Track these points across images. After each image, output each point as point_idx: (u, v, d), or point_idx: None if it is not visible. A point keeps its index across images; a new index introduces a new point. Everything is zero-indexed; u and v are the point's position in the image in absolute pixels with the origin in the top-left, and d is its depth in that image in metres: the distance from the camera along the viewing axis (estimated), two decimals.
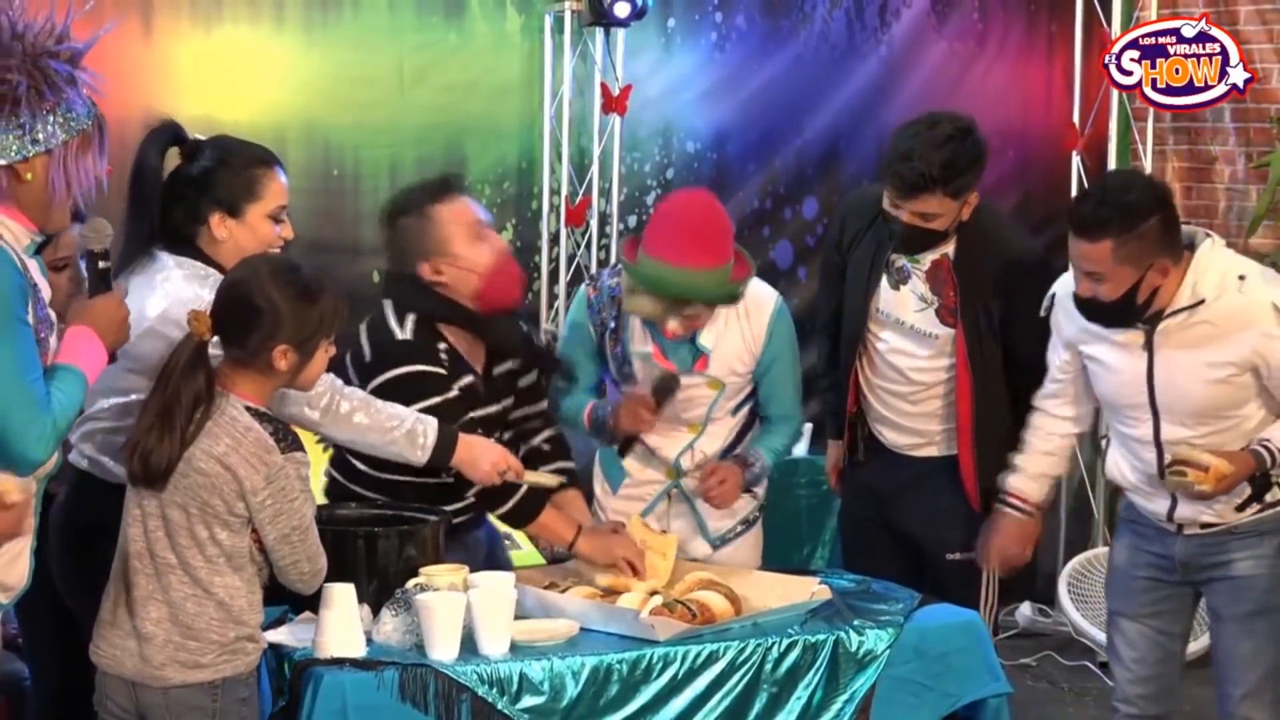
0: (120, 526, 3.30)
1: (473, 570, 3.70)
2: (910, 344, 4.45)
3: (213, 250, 3.60)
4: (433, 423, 3.74)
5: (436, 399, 3.83)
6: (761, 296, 4.32)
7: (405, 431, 3.71)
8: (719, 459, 4.35)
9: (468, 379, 3.93)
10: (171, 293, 3.49)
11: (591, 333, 4.33)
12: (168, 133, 3.63)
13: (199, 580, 3.22)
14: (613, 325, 4.30)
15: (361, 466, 3.94)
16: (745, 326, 4.29)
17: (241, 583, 3.25)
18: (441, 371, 3.87)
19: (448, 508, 3.85)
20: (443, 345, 3.92)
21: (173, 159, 3.65)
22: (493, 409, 4.00)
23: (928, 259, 4.40)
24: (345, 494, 3.99)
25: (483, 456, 3.80)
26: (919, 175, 4.24)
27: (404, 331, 3.91)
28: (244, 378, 3.28)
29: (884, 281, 4.45)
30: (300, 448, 3.29)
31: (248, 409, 3.25)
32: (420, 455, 3.73)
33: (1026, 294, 4.30)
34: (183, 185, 3.62)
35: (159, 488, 3.21)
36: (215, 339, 3.26)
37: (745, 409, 4.41)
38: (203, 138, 3.70)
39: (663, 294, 4.10)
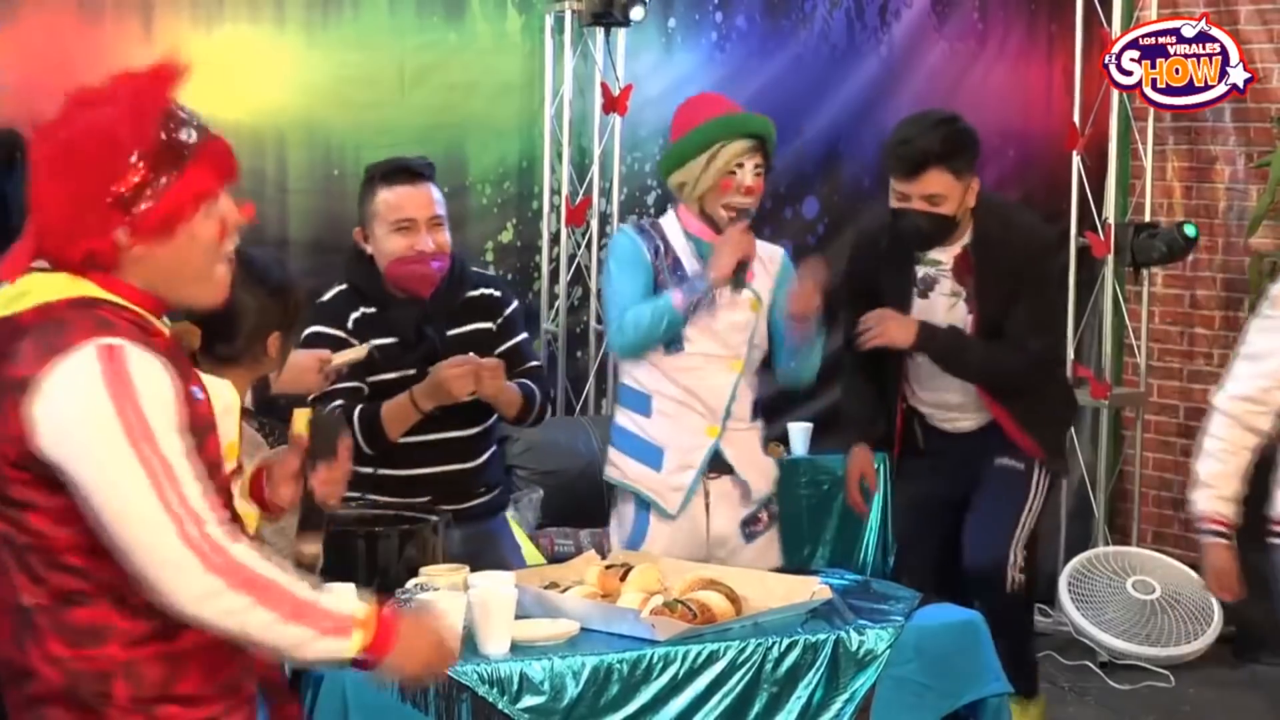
0: None
1: (483, 561, 3.76)
2: None
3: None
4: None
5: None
6: (769, 244, 4.49)
7: None
8: (753, 410, 4.38)
9: (386, 341, 4.12)
10: None
11: (645, 254, 4.31)
12: (6, 142, 3.77)
13: None
14: (665, 246, 4.33)
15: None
16: (765, 262, 4.38)
17: None
18: (341, 335, 4.09)
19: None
20: (356, 314, 4.14)
21: None
22: (404, 373, 4.13)
23: (950, 255, 4.64)
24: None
25: (301, 367, 3.77)
26: (920, 152, 4.50)
27: (326, 295, 4.20)
28: (228, 374, 3.24)
29: (914, 296, 4.69)
30: (287, 440, 3.29)
31: None
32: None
33: (1031, 280, 4.59)
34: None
35: None
36: None
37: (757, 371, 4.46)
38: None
39: (751, 130, 4.28)
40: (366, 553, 3.63)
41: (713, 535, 4.36)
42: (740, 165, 4.28)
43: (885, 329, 4.60)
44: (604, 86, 6.48)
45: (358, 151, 6.10)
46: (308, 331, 4.00)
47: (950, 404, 4.80)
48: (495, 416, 4.30)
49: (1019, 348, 4.66)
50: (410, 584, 3.55)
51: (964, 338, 4.67)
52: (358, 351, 4.00)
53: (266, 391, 3.77)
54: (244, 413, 3.23)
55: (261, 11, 5.98)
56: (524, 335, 4.37)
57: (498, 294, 4.33)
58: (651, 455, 4.35)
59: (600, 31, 6.46)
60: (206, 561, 2.27)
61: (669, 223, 4.38)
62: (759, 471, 4.42)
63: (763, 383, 4.50)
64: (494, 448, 4.37)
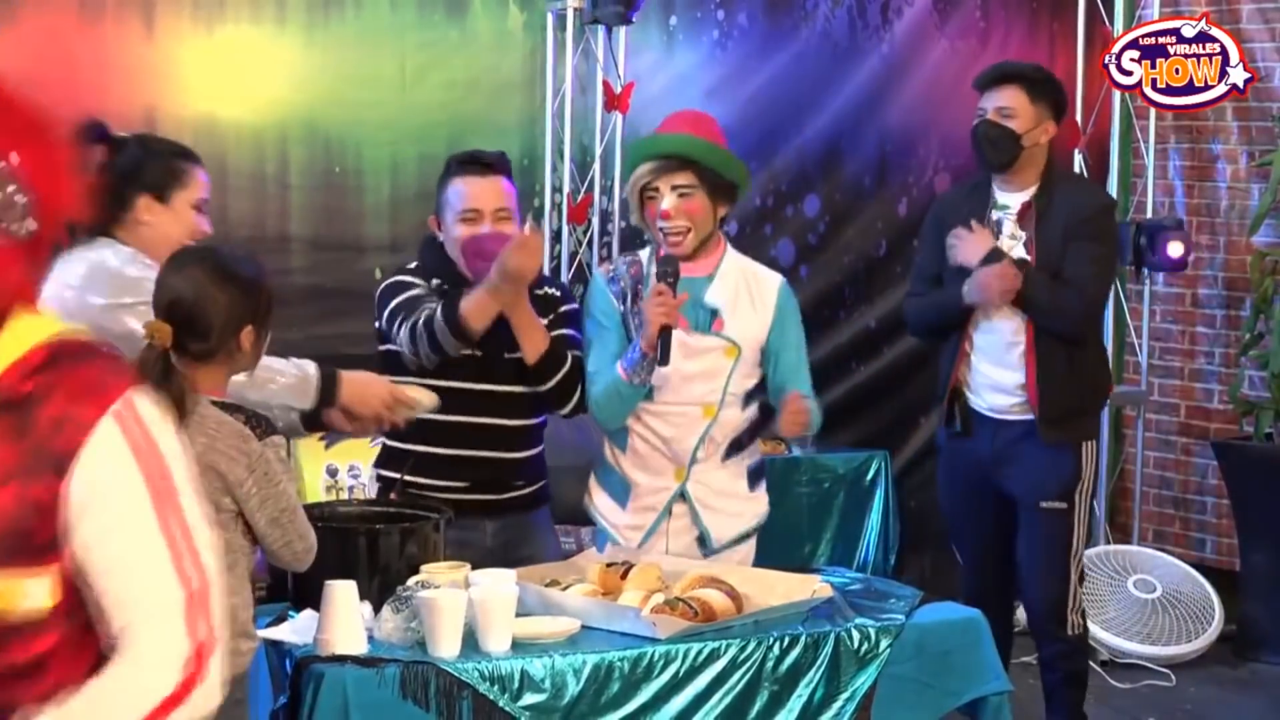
0: None
1: (516, 552, 3.90)
2: None
3: (134, 236, 3.71)
4: (312, 365, 3.77)
5: (410, 289, 4.16)
6: (766, 272, 4.39)
7: (285, 383, 3.72)
8: (727, 453, 4.28)
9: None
10: (94, 259, 3.61)
11: (614, 304, 4.30)
12: (94, 132, 3.73)
13: None
14: (631, 292, 4.28)
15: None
16: (754, 296, 4.30)
17: (235, 580, 3.26)
18: (418, 280, 4.18)
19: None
20: (435, 281, 4.19)
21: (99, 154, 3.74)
22: (480, 385, 4.13)
23: (1017, 201, 5.03)
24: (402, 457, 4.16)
25: (369, 393, 3.82)
26: (1003, 68, 5.19)
27: (400, 273, 4.27)
28: (204, 371, 3.24)
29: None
30: (275, 431, 3.30)
31: (213, 403, 3.23)
32: (307, 401, 3.74)
33: (1090, 235, 4.95)
34: (109, 176, 3.71)
35: None
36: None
37: (754, 405, 4.35)
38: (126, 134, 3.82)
39: (657, 152, 4.23)
40: (368, 549, 3.63)
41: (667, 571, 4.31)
42: (654, 189, 4.21)
43: (963, 245, 4.98)
44: (605, 84, 6.48)
45: (358, 149, 6.11)
46: (391, 280, 4.18)
47: (1003, 383, 5.00)
48: (544, 416, 4.27)
49: (1078, 291, 4.94)
50: (411, 581, 3.55)
51: (1029, 266, 4.95)
52: (428, 401, 3.95)
53: (319, 415, 3.79)
54: (226, 406, 3.25)
55: (263, 10, 5.97)
56: (572, 332, 4.30)
57: (557, 293, 4.33)
58: (620, 491, 4.31)
59: (602, 29, 6.46)
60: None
61: (646, 255, 4.33)
62: (725, 515, 4.30)
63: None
64: (539, 447, 4.32)
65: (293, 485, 3.31)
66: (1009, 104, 5.00)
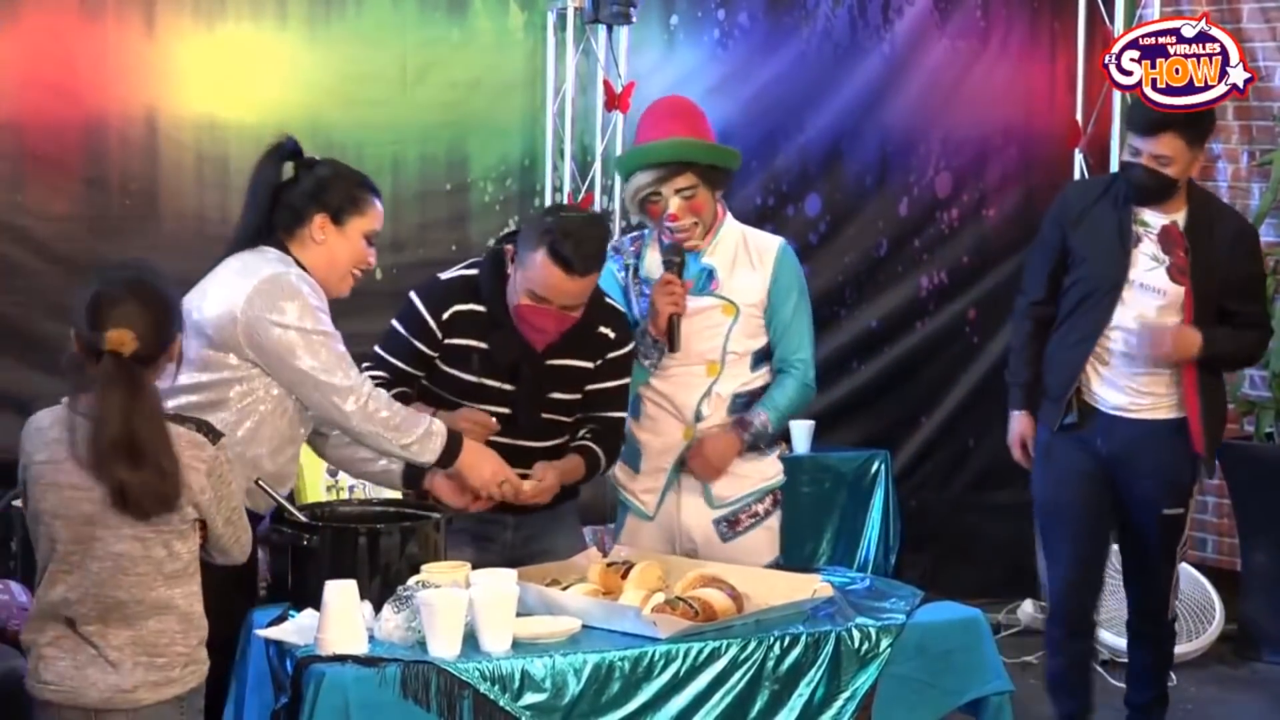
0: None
1: (535, 546, 3.96)
2: (1141, 301, 4.90)
3: (302, 252, 3.82)
4: (441, 426, 3.86)
5: (401, 328, 4.12)
6: (765, 236, 4.46)
7: (421, 432, 3.81)
8: (732, 407, 4.34)
9: (470, 341, 4.08)
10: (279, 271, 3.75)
11: (616, 279, 4.36)
12: (288, 148, 3.89)
13: (159, 600, 3.24)
14: (634, 264, 4.35)
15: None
16: (753, 259, 4.36)
17: (197, 586, 3.31)
18: (425, 317, 4.07)
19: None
20: (463, 307, 4.07)
21: (287, 171, 3.89)
22: (500, 385, 4.09)
23: (1158, 223, 4.93)
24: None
25: (484, 464, 3.92)
26: (1163, 115, 4.99)
27: (450, 273, 4.15)
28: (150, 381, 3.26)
29: (1126, 247, 4.93)
30: (219, 434, 3.34)
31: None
32: (430, 456, 3.85)
33: (1245, 256, 4.97)
34: (293, 192, 3.85)
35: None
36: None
37: (764, 368, 4.40)
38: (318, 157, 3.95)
39: (655, 161, 4.24)
40: (369, 549, 3.63)
41: (682, 530, 4.39)
42: (657, 195, 4.26)
43: (1174, 347, 4.85)
44: (606, 84, 6.48)
45: (360, 149, 6.11)
46: (409, 299, 4.12)
47: (1147, 392, 4.96)
48: (568, 436, 4.24)
49: (1253, 322, 5.00)
50: (412, 581, 3.55)
51: (1219, 332, 4.92)
52: (529, 490, 4.00)
53: (421, 475, 3.94)
54: (177, 417, 3.28)
55: (264, 8, 5.98)
56: (622, 381, 4.25)
57: (613, 335, 4.19)
58: (633, 457, 4.41)
59: (602, 29, 6.46)
60: None
61: (649, 232, 4.40)
62: (729, 474, 4.37)
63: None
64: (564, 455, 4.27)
65: (236, 485, 3.39)
66: (1167, 152, 4.88)
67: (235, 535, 3.38)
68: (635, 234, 4.48)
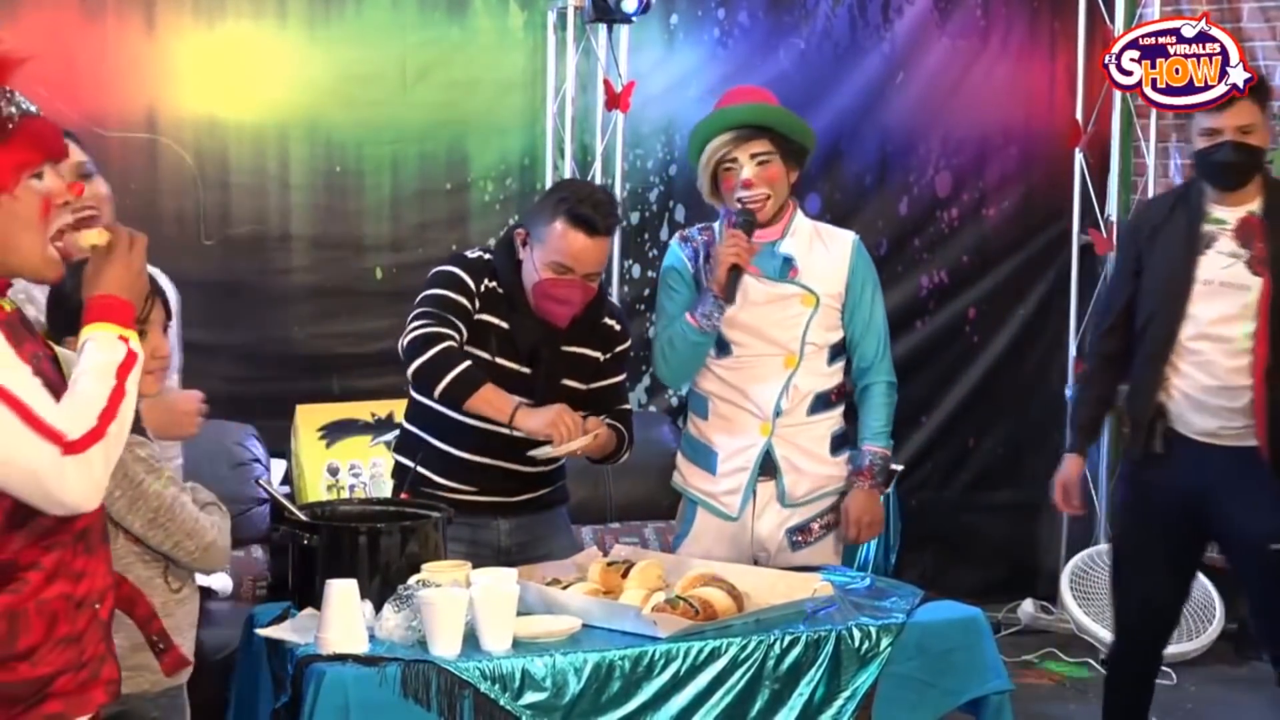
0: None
1: (531, 549, 3.93)
2: (1218, 303, 4.64)
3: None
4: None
5: (449, 291, 4.04)
6: (839, 230, 4.48)
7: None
8: (813, 408, 4.32)
9: (494, 319, 4.08)
10: None
11: (687, 265, 4.34)
12: None
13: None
14: (703, 252, 4.33)
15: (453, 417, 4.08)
16: (828, 249, 4.37)
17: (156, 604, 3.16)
18: (468, 281, 4.05)
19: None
20: (492, 283, 4.08)
21: None
22: (518, 368, 4.09)
23: (1234, 217, 4.67)
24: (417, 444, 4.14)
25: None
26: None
27: (471, 252, 4.17)
28: None
29: (1196, 252, 4.68)
30: (141, 430, 3.22)
31: None
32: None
33: None
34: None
35: None
36: None
37: (839, 363, 4.39)
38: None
39: (734, 122, 4.24)
40: (369, 548, 3.63)
41: (756, 539, 4.36)
42: (733, 160, 4.27)
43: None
44: (606, 83, 6.47)
45: (360, 148, 6.11)
46: (442, 270, 4.08)
47: (1219, 405, 4.67)
48: None
49: None
50: (412, 580, 3.55)
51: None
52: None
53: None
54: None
55: (264, 7, 5.98)
56: (624, 376, 4.32)
57: (618, 328, 4.26)
58: (708, 459, 4.38)
59: (603, 28, 6.45)
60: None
61: (719, 224, 4.39)
62: (805, 474, 4.35)
63: None
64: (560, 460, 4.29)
65: (166, 484, 3.24)
66: (1249, 120, 4.75)
67: (172, 541, 3.22)
68: (704, 224, 4.47)
